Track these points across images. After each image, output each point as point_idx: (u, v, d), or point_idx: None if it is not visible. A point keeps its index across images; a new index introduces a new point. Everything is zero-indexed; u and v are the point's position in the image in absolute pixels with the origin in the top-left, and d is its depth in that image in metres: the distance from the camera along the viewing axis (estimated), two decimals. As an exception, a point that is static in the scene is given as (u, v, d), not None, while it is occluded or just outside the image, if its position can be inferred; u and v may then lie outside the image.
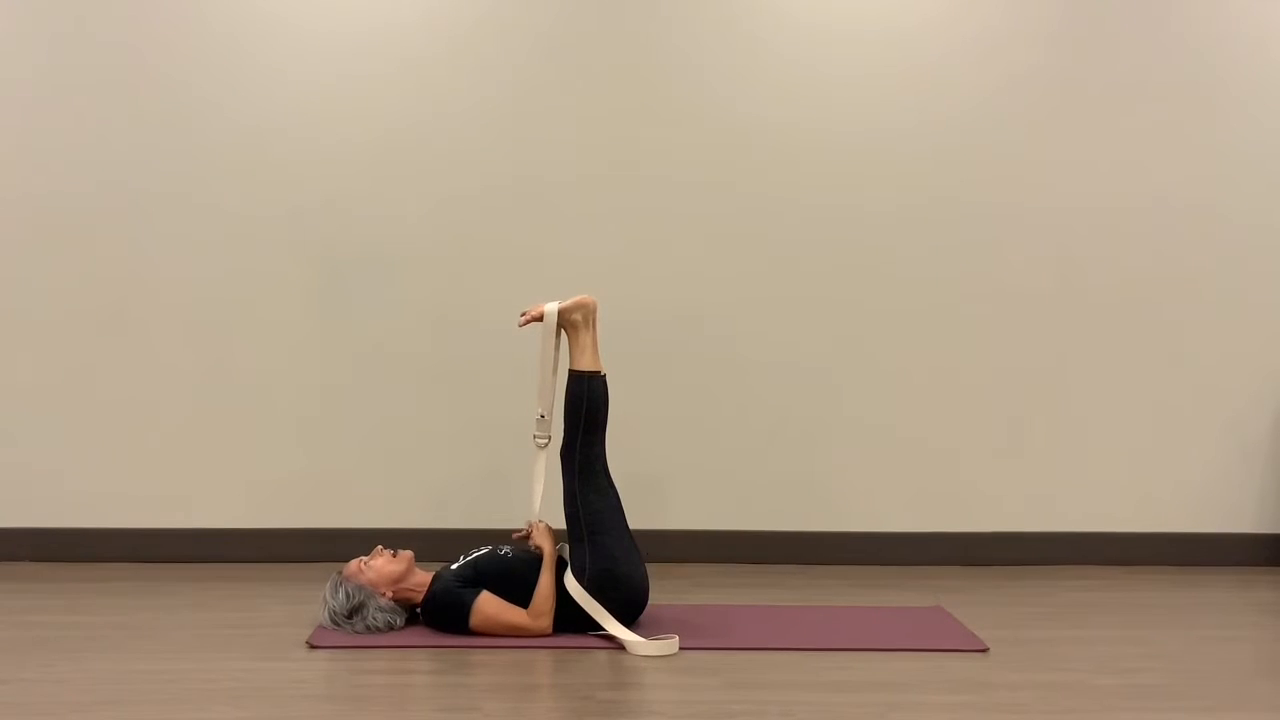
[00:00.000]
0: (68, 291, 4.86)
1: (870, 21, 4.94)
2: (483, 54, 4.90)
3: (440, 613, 3.89)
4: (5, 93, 4.82)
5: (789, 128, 4.94)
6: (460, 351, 4.93)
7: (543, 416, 4.06)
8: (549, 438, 4.07)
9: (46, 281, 4.86)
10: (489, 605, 3.85)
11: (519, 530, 4.09)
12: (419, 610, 3.97)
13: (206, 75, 4.85)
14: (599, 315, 4.07)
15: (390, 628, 3.89)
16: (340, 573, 3.96)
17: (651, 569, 3.99)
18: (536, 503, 4.04)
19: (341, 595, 3.88)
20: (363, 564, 3.96)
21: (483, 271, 4.92)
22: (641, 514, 4.18)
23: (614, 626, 3.82)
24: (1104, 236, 5.00)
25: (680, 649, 3.76)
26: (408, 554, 4.00)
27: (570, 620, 3.87)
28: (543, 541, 3.99)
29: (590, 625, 3.85)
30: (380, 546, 4.01)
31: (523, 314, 4.08)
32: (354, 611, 3.87)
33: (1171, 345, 5.03)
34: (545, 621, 3.86)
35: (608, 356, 4.09)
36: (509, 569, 3.93)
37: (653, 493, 4.88)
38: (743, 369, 4.98)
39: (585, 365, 4.01)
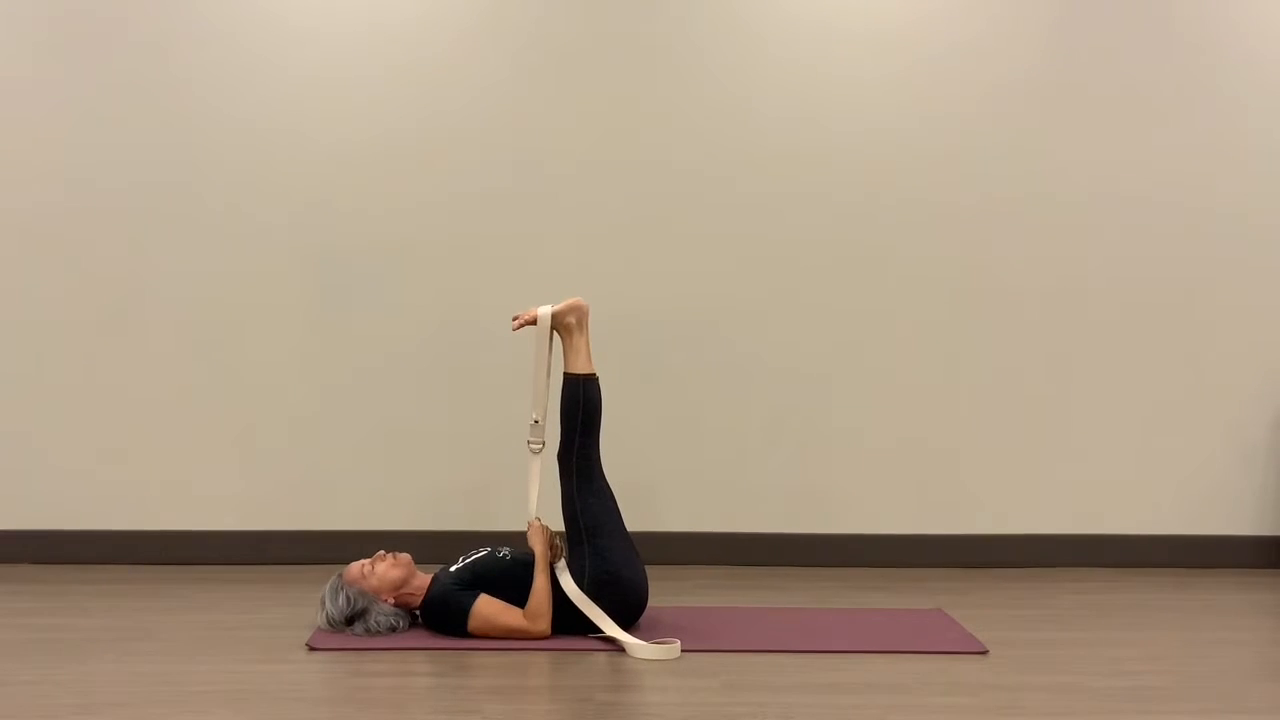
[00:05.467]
0: (67, 292, 4.86)
1: (872, 20, 4.94)
2: (482, 55, 4.90)
3: (439, 616, 3.88)
4: (3, 92, 4.82)
5: (788, 128, 4.94)
6: (459, 353, 4.93)
7: (536, 422, 4.04)
8: (543, 443, 4.04)
9: (45, 282, 4.86)
10: (487, 608, 3.84)
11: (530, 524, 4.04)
12: (418, 613, 3.96)
13: (206, 75, 4.85)
14: (590, 317, 4.05)
15: (393, 631, 3.87)
16: (341, 576, 3.93)
17: (650, 572, 3.98)
18: (532, 508, 4.02)
19: (341, 600, 3.86)
20: (365, 569, 3.92)
21: (481, 273, 4.92)
22: (640, 517, 4.18)
23: (613, 629, 3.81)
24: (1104, 237, 5.00)
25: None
26: (406, 557, 3.98)
27: (570, 622, 3.86)
28: (535, 542, 3.95)
29: (590, 628, 3.84)
30: (382, 551, 3.99)
31: (515, 318, 4.07)
32: (354, 617, 3.85)
33: (1171, 347, 5.02)
34: (543, 625, 3.84)
35: (604, 359, 4.09)
36: (507, 571, 3.92)
37: (651, 496, 4.88)
38: (741, 370, 4.98)
39: (580, 368, 4.00)
